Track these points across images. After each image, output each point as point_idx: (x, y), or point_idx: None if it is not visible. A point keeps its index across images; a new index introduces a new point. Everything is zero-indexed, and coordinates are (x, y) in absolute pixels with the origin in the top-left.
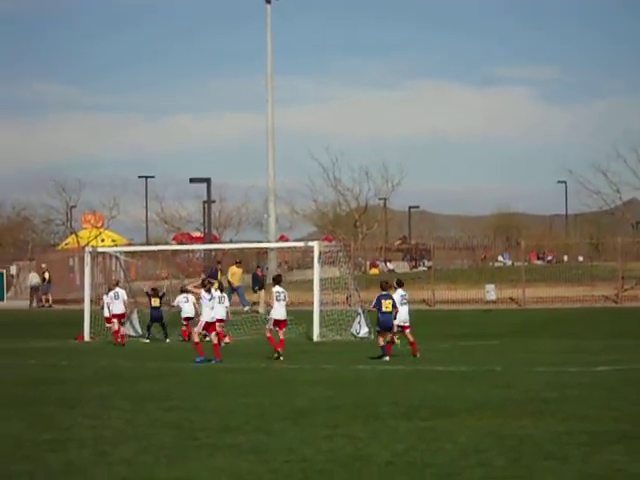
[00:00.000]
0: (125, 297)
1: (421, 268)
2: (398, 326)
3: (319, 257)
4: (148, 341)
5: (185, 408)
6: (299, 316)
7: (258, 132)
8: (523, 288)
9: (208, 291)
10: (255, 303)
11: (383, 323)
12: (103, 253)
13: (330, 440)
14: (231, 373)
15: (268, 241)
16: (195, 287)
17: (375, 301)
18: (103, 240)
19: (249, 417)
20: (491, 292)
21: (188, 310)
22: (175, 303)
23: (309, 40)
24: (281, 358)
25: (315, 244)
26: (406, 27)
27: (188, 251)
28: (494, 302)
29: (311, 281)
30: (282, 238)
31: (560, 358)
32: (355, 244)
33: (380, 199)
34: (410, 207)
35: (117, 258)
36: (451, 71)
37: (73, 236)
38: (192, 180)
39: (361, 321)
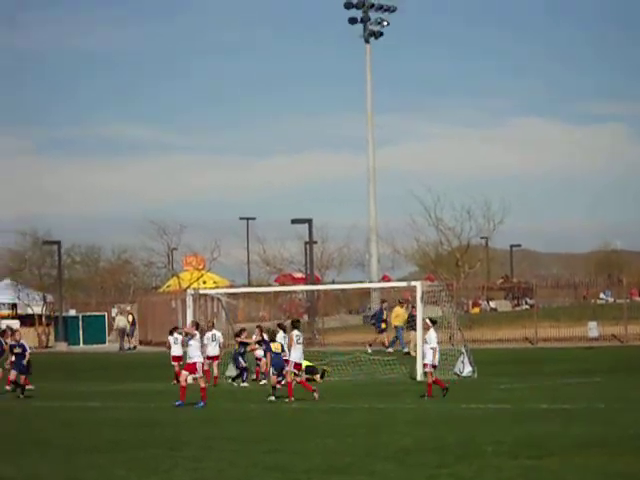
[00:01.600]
0: (221, 339)
1: (523, 306)
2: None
3: (422, 297)
4: (246, 384)
5: (287, 450)
6: (402, 356)
7: (359, 171)
8: (625, 325)
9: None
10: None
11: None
12: (205, 295)
13: None
14: (333, 414)
15: (370, 281)
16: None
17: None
18: (205, 282)
19: (353, 458)
20: (593, 329)
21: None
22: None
23: (408, 77)
24: (315, 395)
25: (418, 284)
26: (504, 65)
27: (290, 292)
28: (596, 339)
29: (414, 321)
30: (384, 278)
31: None
32: (457, 283)
33: (482, 238)
34: (512, 246)
35: (219, 300)
36: (553, 109)
37: (175, 278)
38: (294, 221)
39: (464, 360)
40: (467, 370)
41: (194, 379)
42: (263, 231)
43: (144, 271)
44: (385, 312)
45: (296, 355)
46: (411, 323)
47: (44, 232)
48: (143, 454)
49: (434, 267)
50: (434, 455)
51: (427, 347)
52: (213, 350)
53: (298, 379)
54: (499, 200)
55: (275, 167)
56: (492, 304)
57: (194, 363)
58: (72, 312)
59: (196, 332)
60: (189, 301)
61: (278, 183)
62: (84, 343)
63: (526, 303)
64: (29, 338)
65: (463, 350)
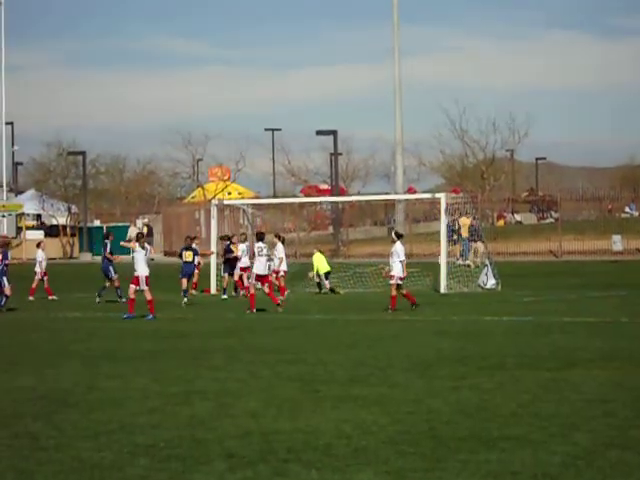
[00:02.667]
0: (282, 253)
1: (548, 220)
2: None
3: (446, 209)
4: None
5: (309, 361)
6: (426, 268)
7: (385, 83)
8: None
9: (142, 247)
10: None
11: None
12: (230, 206)
13: (456, 391)
14: (356, 325)
15: (396, 193)
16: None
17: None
18: (230, 193)
19: (374, 369)
20: (618, 243)
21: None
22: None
23: None
24: (248, 311)
25: (442, 196)
26: None
27: (315, 203)
28: (621, 253)
29: (437, 233)
30: (410, 190)
31: None
32: (482, 196)
33: (507, 151)
34: (537, 159)
35: (244, 211)
36: (582, 22)
37: (200, 189)
38: (319, 132)
39: (488, 272)
40: (491, 282)
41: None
42: (288, 142)
43: (169, 182)
44: (457, 223)
45: (258, 267)
46: (473, 234)
47: (69, 143)
48: (166, 364)
49: (459, 179)
50: (455, 367)
51: (395, 260)
52: (245, 262)
53: (267, 290)
54: (524, 113)
55: (301, 79)
56: (517, 217)
57: (138, 276)
58: (97, 223)
59: (137, 245)
60: (213, 212)
61: (304, 95)
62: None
63: (551, 216)
64: (53, 249)
65: (487, 262)
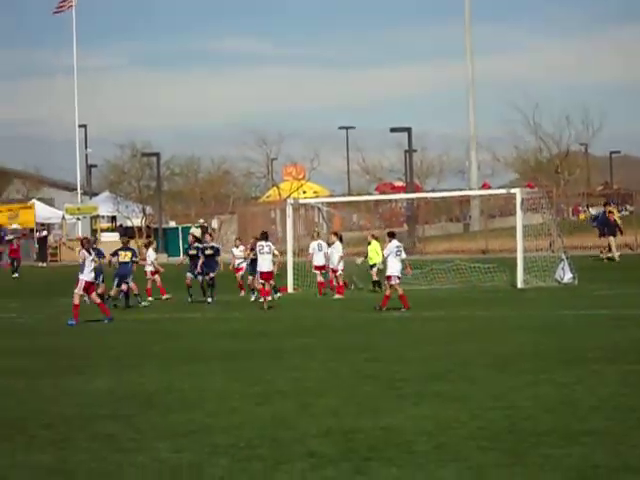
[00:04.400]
0: (326, 249)
1: (623, 213)
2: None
3: (522, 204)
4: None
5: (388, 358)
6: (503, 263)
7: (458, 80)
8: None
9: (88, 251)
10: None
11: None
12: (305, 205)
13: (536, 386)
14: (434, 322)
15: (470, 189)
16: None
17: None
18: (305, 192)
19: (453, 365)
20: None
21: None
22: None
23: None
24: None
25: (517, 191)
26: None
27: (390, 201)
28: None
29: (513, 228)
30: (484, 186)
31: None
32: (557, 190)
33: (581, 144)
34: (611, 152)
35: (319, 209)
36: None
37: (274, 188)
38: (393, 130)
39: (565, 267)
40: (567, 277)
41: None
42: (362, 140)
43: (244, 182)
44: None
45: (262, 265)
46: (610, 228)
47: (143, 144)
48: (247, 364)
49: (533, 174)
50: (534, 362)
51: (394, 259)
52: (319, 260)
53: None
54: (598, 107)
55: (375, 76)
56: (592, 211)
57: (82, 280)
58: (172, 224)
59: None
60: (289, 211)
61: (378, 92)
62: (184, 254)
63: (626, 209)
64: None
65: (563, 257)
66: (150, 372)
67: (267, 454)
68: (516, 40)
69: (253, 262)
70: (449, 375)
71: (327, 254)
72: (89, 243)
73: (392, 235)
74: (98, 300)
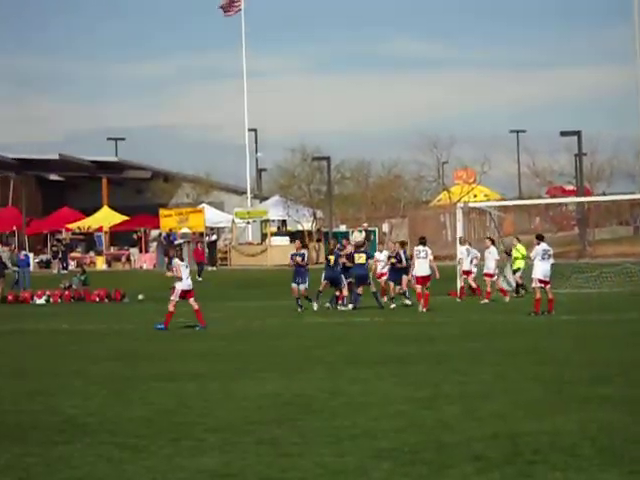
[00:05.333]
0: (496, 255)
1: None
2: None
3: None
4: (515, 295)
5: (555, 361)
6: None
7: (629, 83)
8: None
9: (182, 259)
10: None
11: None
12: (475, 209)
13: None
14: (600, 326)
15: None
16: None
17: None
18: (475, 196)
19: (621, 369)
20: None
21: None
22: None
23: None
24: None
25: None
26: None
27: (560, 204)
28: None
29: None
30: None
31: None
32: None
33: None
34: None
35: (489, 213)
36: None
37: (445, 192)
38: (563, 133)
39: None
40: None
41: None
42: (533, 143)
43: (414, 185)
44: None
45: (419, 269)
46: None
47: (313, 148)
48: (411, 368)
49: None
50: None
51: (541, 262)
52: (466, 265)
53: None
54: None
55: (545, 79)
56: None
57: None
58: (342, 228)
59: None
60: (459, 215)
61: (549, 95)
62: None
63: None
64: None
65: None
66: (317, 376)
67: (431, 458)
68: None
69: (393, 269)
70: (616, 379)
71: (476, 258)
72: (180, 251)
73: (541, 238)
74: (196, 306)
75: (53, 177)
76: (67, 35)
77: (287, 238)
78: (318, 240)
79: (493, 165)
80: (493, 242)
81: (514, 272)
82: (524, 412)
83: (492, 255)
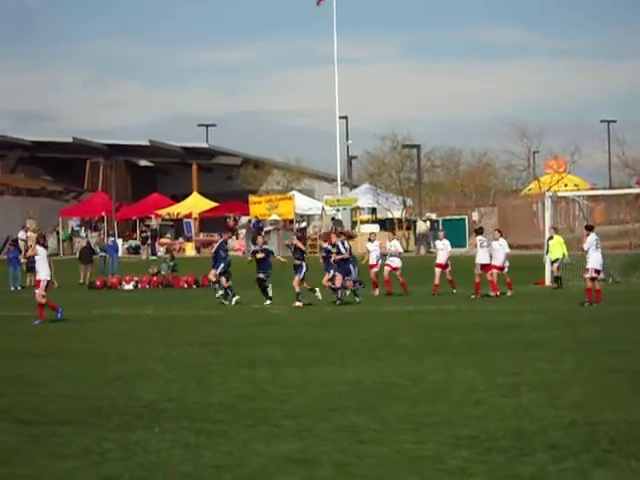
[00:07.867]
0: (507, 248)
1: None
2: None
3: None
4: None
5: (633, 351)
6: None
7: None
8: None
9: (44, 247)
10: None
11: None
12: (564, 198)
13: None
14: None
15: None
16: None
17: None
18: (566, 185)
19: None
20: None
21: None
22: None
23: None
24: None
25: None
26: None
27: None
28: None
29: None
30: None
31: None
32: None
33: None
34: None
35: (578, 203)
36: None
37: (535, 182)
38: None
39: None
40: None
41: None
42: (624, 133)
43: (505, 174)
44: None
45: (481, 257)
46: None
47: (403, 136)
48: (493, 356)
49: None
50: None
51: (595, 252)
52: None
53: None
54: None
55: (636, 68)
56: None
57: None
58: (432, 216)
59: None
60: (548, 204)
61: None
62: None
63: None
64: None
65: None
66: (398, 364)
67: (508, 446)
68: None
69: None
70: None
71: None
72: (44, 240)
73: (590, 228)
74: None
75: (143, 163)
76: (149, 20)
77: (377, 226)
78: (407, 229)
79: (583, 155)
80: (501, 233)
81: (552, 263)
82: (603, 401)
83: (502, 247)
